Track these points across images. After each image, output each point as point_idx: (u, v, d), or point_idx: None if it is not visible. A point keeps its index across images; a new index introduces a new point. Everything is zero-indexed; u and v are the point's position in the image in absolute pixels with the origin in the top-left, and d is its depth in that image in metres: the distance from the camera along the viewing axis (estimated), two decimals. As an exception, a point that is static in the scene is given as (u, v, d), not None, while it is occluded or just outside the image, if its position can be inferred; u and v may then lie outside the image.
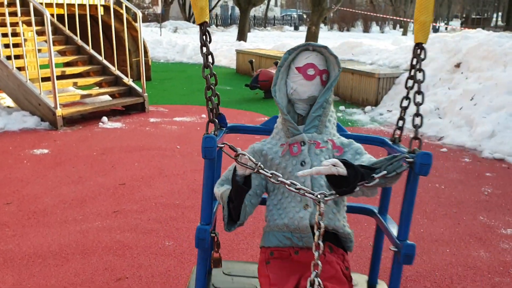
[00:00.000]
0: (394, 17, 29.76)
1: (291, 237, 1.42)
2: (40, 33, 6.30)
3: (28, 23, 5.90)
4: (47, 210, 3.24)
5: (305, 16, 39.92)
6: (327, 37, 23.77)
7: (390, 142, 1.62)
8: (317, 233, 1.19)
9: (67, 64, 6.72)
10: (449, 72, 6.59)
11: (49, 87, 5.53)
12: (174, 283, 2.40)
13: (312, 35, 15.93)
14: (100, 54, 6.70)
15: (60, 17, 6.87)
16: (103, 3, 7.59)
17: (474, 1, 42.14)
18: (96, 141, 4.98)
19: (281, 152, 1.46)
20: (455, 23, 40.59)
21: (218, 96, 1.50)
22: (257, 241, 2.85)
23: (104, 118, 5.85)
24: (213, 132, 1.42)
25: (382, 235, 1.74)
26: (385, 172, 1.28)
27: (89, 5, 6.88)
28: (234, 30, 25.77)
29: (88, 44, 6.73)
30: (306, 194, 1.25)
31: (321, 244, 1.18)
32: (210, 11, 36.89)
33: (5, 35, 5.80)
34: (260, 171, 1.28)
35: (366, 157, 1.45)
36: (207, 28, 1.44)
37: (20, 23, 5.70)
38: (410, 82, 1.50)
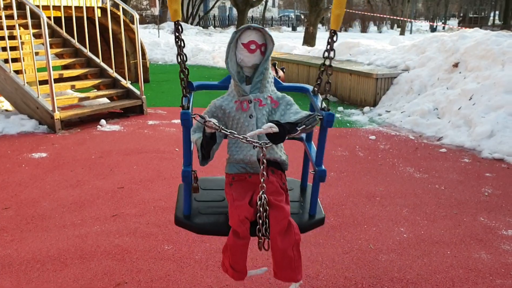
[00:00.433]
0: (392, 17, 29.79)
1: (245, 167, 1.96)
2: (37, 36, 6.28)
3: (25, 26, 5.88)
4: (45, 214, 3.22)
5: (302, 17, 39.92)
6: (325, 37, 23.56)
7: (311, 92, 2.11)
8: (261, 167, 1.71)
9: (65, 67, 6.70)
10: (447, 71, 6.58)
11: (47, 90, 5.51)
12: (174, 288, 2.38)
13: (309, 36, 15.93)
14: (98, 57, 6.68)
15: (57, 20, 6.85)
16: (100, 5, 7.57)
17: (471, 0, 42.21)
18: (95, 144, 4.96)
19: (235, 108, 1.94)
20: (453, 22, 40.66)
21: (188, 71, 1.88)
22: (256, 244, 2.83)
23: (103, 121, 5.83)
24: (186, 106, 1.80)
25: (308, 160, 2.30)
26: (304, 126, 1.76)
27: (86, 7, 6.86)
28: (232, 31, 25.73)
29: (85, 47, 6.71)
30: (253, 143, 1.73)
31: (265, 173, 1.72)
32: (207, 12, 36.70)
33: (2, 38, 5.78)
34: (222, 131, 1.71)
35: (294, 108, 1.94)
36: (180, 23, 1.83)
37: (17, 26, 5.67)
38: (327, 62, 1.93)
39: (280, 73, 7.51)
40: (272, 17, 42.87)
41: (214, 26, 33.65)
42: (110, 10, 6.90)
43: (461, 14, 42.24)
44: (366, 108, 6.91)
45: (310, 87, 2.15)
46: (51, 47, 6.33)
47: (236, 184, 1.93)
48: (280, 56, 9.43)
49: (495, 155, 4.68)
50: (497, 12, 39.68)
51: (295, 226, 1.77)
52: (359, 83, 7.28)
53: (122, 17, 6.92)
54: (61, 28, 6.80)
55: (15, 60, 5.85)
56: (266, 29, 1.92)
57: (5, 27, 5.60)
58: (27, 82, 5.63)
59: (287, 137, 1.73)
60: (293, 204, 1.99)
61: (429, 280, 2.50)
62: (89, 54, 6.74)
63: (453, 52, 6.75)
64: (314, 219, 1.94)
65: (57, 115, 5.43)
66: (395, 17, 29.41)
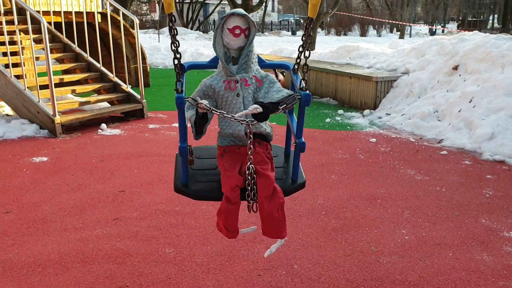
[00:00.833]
0: (391, 21, 29.86)
1: (235, 140, 2.14)
2: (38, 41, 6.30)
3: (26, 31, 5.90)
4: (46, 218, 3.22)
5: (302, 21, 40.04)
6: (324, 41, 23.83)
7: (292, 70, 2.24)
8: (248, 141, 1.89)
9: (66, 72, 6.72)
10: (447, 74, 6.59)
11: (47, 94, 5.52)
12: (176, 291, 2.37)
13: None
14: (98, 61, 6.70)
15: (57, 25, 6.88)
16: (100, 10, 7.60)
17: (470, 3, 42.34)
18: (95, 148, 4.96)
19: (224, 87, 2.09)
20: (452, 26, 40.74)
21: (181, 55, 2.00)
22: (258, 247, 2.83)
23: (103, 125, 5.83)
24: (180, 89, 1.91)
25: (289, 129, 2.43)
26: (285, 105, 1.92)
27: (86, 12, 6.89)
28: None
29: (86, 52, 6.73)
30: (241, 121, 1.88)
31: (252, 146, 1.89)
32: (207, 17, 36.73)
33: (2, 43, 5.79)
34: (213, 111, 1.87)
35: (277, 86, 2.10)
36: (173, 15, 1.96)
37: (17, 32, 5.69)
38: (305, 48, 2.05)
39: (280, 76, 7.52)
40: (271, 21, 42.99)
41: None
42: (110, 15, 6.93)
43: (460, 18, 42.36)
44: (366, 111, 6.91)
45: (291, 64, 2.28)
46: (51, 52, 6.35)
47: (227, 155, 2.12)
48: (280, 60, 9.45)
49: (496, 157, 4.67)
50: (496, 16, 39.78)
51: (279, 190, 1.95)
52: (359, 87, 7.29)
53: (122, 22, 6.94)
54: (62, 33, 6.82)
55: (15, 65, 5.86)
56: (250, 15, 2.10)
57: (5, 33, 5.61)
58: (27, 87, 5.64)
59: (270, 116, 1.92)
60: (278, 170, 2.18)
61: (431, 282, 2.49)
62: (90, 58, 6.76)
63: (452, 55, 6.76)
64: (296, 183, 2.13)
65: (58, 119, 5.44)
66: (394, 21, 29.49)
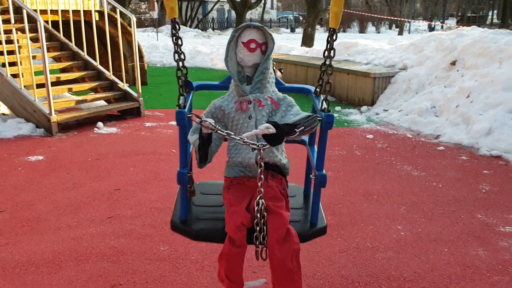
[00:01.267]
0: (390, 17, 29.81)
1: (244, 170, 1.92)
2: (35, 39, 6.28)
3: (23, 30, 5.88)
4: (41, 217, 3.21)
5: (301, 18, 39.98)
6: (323, 38, 23.57)
7: (313, 93, 2.08)
8: (259, 170, 1.64)
9: (63, 70, 6.70)
10: (444, 70, 6.57)
11: (44, 93, 5.50)
12: (169, 289, 2.36)
13: (308, 37, 15.94)
14: (95, 60, 6.68)
15: (55, 24, 6.85)
16: (97, 9, 7.58)
17: (469, -1, 42.20)
18: (91, 147, 4.95)
19: (235, 108, 1.90)
20: (451, 22, 40.64)
21: (186, 68, 1.92)
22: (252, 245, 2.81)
23: (100, 124, 5.82)
24: (182, 105, 1.78)
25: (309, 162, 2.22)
26: (303, 127, 1.70)
27: (84, 11, 6.86)
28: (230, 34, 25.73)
29: (83, 50, 6.70)
30: (251, 145, 1.66)
31: (262, 177, 1.65)
32: (206, 15, 36.75)
33: (-1, 42, 5.77)
34: (218, 132, 1.67)
35: (295, 109, 1.88)
36: (177, 21, 1.85)
37: (14, 30, 5.67)
38: (326, 62, 1.90)
39: (278, 73, 7.49)
40: (270, 19, 42.93)
41: (213, 29, 33.69)
42: (108, 14, 6.90)
43: (459, 14, 42.28)
44: (364, 108, 6.89)
45: (312, 88, 2.10)
46: (48, 51, 6.34)
47: (234, 188, 1.88)
48: (279, 57, 9.42)
49: (493, 152, 4.66)
50: (495, 12, 39.69)
51: (294, 234, 1.67)
52: (356, 83, 7.27)
53: (119, 20, 6.92)
54: (59, 31, 6.80)
55: (12, 64, 5.85)
56: (266, 28, 1.88)
57: (2, 31, 5.59)
58: (24, 86, 5.62)
59: (285, 139, 1.68)
60: (295, 212, 1.90)
61: (426, 278, 2.48)
62: (87, 57, 6.74)
63: (450, 51, 6.74)
64: (315, 228, 1.83)
65: (54, 118, 5.42)
66: (393, 18, 29.43)
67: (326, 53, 1.86)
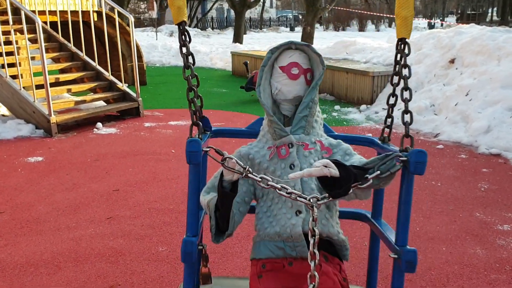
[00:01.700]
0: (389, 15, 29.77)
1: (283, 246, 1.34)
2: (33, 40, 6.29)
3: (21, 31, 5.89)
4: (40, 218, 3.22)
5: (300, 17, 39.95)
6: (323, 37, 23.77)
7: (379, 142, 1.58)
8: (311, 241, 1.09)
9: (62, 71, 6.71)
10: (443, 68, 6.57)
11: (43, 94, 5.51)
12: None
13: (307, 35, 15.92)
14: (94, 60, 6.69)
15: (53, 24, 6.86)
16: (96, 9, 7.58)
17: (469, -4, 42.16)
18: (91, 147, 4.96)
19: (269, 155, 1.42)
20: (451, 19, 40.61)
21: (201, 98, 1.48)
22: (251, 244, 2.82)
23: (99, 124, 5.83)
24: (197, 136, 1.41)
25: (378, 241, 1.66)
26: (378, 172, 1.23)
27: (82, 11, 6.87)
28: (230, 33, 25.77)
29: (81, 51, 6.71)
30: (297, 198, 1.18)
31: (317, 253, 1.08)
32: (205, 14, 36.52)
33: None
34: (249, 175, 1.22)
35: (356, 158, 1.41)
36: (186, 28, 1.43)
37: (12, 32, 5.68)
38: (396, 79, 1.48)
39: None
40: (270, 17, 42.88)
41: (212, 28, 33.67)
42: (106, 14, 6.91)
43: (459, 11, 42.23)
44: (363, 106, 6.90)
45: (375, 138, 1.62)
46: (47, 52, 6.34)
47: (268, 275, 1.33)
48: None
49: (492, 151, 4.66)
50: (495, 9, 39.64)
51: None
52: (355, 82, 7.27)
53: (117, 20, 6.92)
54: (58, 32, 6.81)
55: (11, 65, 5.85)
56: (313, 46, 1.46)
57: (0, 33, 5.60)
58: (23, 87, 5.63)
59: (351, 190, 1.20)
60: None
61: (424, 277, 2.49)
62: (85, 57, 6.75)
63: (449, 49, 6.74)
64: None
65: (54, 119, 5.43)
66: (392, 16, 29.39)
67: (396, 75, 1.44)
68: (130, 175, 4.08)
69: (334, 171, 1.17)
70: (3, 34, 5.62)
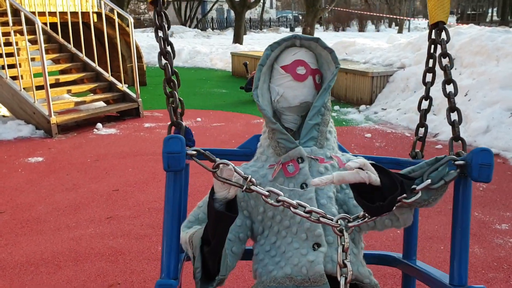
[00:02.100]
0: (389, 16, 29.80)
1: None
2: (34, 42, 6.31)
3: (21, 33, 5.91)
4: (40, 218, 3.24)
5: (300, 17, 39.99)
6: (323, 37, 23.53)
7: (410, 160, 1.24)
8: (342, 281, 0.82)
9: (61, 72, 6.73)
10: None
11: (43, 95, 5.53)
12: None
13: (307, 36, 15.92)
14: (94, 61, 6.71)
15: (53, 25, 6.88)
16: (95, 10, 7.60)
17: (469, -3, 42.19)
18: (91, 148, 4.98)
19: (271, 174, 1.11)
20: (451, 19, 40.63)
21: (182, 102, 1.21)
22: (250, 244, 2.84)
23: (99, 125, 5.85)
24: (179, 128, 1.13)
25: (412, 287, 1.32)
26: (429, 181, 0.94)
27: (82, 12, 6.89)
28: (230, 33, 25.80)
29: (81, 51, 6.73)
30: (321, 219, 0.89)
31: None
32: (205, 15, 36.43)
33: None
34: (253, 187, 0.92)
35: None
36: (164, 10, 1.19)
37: (12, 33, 5.70)
38: (429, 76, 1.22)
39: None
40: (270, 18, 42.93)
41: (212, 29, 33.71)
42: (106, 15, 6.93)
43: (459, 11, 42.24)
44: (362, 107, 6.91)
45: (401, 159, 1.29)
46: (47, 53, 6.36)
47: None
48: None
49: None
50: (495, 9, 39.68)
51: None
52: (355, 82, 7.29)
53: (117, 21, 6.94)
54: (57, 33, 6.83)
55: (11, 66, 5.88)
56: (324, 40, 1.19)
57: (0, 34, 5.62)
58: (23, 88, 5.65)
59: (397, 204, 0.92)
60: None
61: (421, 276, 2.50)
62: (85, 58, 6.77)
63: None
64: None
65: (54, 119, 5.45)
66: (392, 16, 29.43)
67: (429, 72, 1.17)
68: (129, 175, 4.10)
69: (374, 177, 0.88)
70: (3, 36, 5.64)
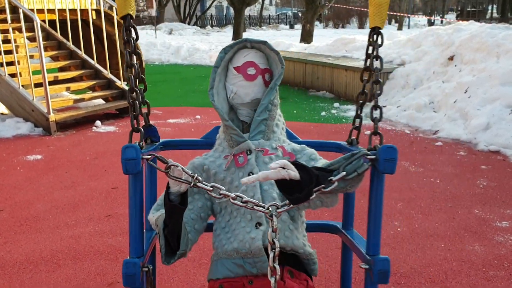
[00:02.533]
0: (389, 12, 29.74)
1: (243, 264, 1.23)
2: (32, 39, 6.28)
3: (20, 30, 5.88)
4: (39, 216, 3.22)
5: (300, 14, 39.91)
6: (322, 34, 23.75)
7: (347, 146, 1.48)
8: (271, 254, 1.00)
9: (60, 69, 6.71)
10: (442, 65, 6.57)
11: (42, 92, 5.51)
12: (166, 286, 2.38)
13: (307, 33, 15.92)
14: (93, 58, 6.68)
15: (52, 23, 6.85)
16: (94, 7, 7.57)
17: (469, -7, 42.09)
18: (89, 145, 4.96)
19: (225, 164, 1.30)
20: (451, 16, 40.56)
21: (148, 104, 1.36)
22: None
23: (98, 122, 5.83)
24: (138, 143, 1.27)
25: (350, 253, 1.57)
26: (344, 173, 1.13)
27: (81, 9, 6.86)
28: (229, 31, 25.75)
29: (80, 49, 6.71)
30: (254, 207, 1.07)
31: (277, 267, 1.00)
32: (204, 12, 36.34)
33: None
34: (198, 184, 1.09)
35: (322, 162, 1.30)
36: (133, 23, 1.32)
37: (11, 30, 5.67)
38: (367, 74, 1.43)
39: None
40: (269, 15, 42.85)
41: (212, 26, 33.64)
42: (105, 12, 6.90)
43: (459, 8, 42.19)
44: (362, 104, 6.90)
45: (342, 142, 1.51)
46: (46, 50, 6.33)
47: None
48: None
49: (491, 148, 4.67)
50: (495, 6, 39.60)
51: None
52: (355, 79, 7.26)
53: (116, 18, 6.91)
54: (56, 30, 6.80)
55: (10, 63, 5.85)
56: (271, 42, 1.36)
57: (-2, 31, 5.60)
58: (22, 85, 5.63)
59: (313, 195, 1.09)
60: None
61: (422, 274, 2.49)
62: (84, 56, 6.74)
63: (448, 46, 6.73)
64: None
65: (52, 117, 5.43)
66: (392, 13, 29.38)
67: (367, 70, 1.39)
68: (129, 173, 4.08)
69: (294, 173, 1.04)
70: (1, 33, 5.62)
